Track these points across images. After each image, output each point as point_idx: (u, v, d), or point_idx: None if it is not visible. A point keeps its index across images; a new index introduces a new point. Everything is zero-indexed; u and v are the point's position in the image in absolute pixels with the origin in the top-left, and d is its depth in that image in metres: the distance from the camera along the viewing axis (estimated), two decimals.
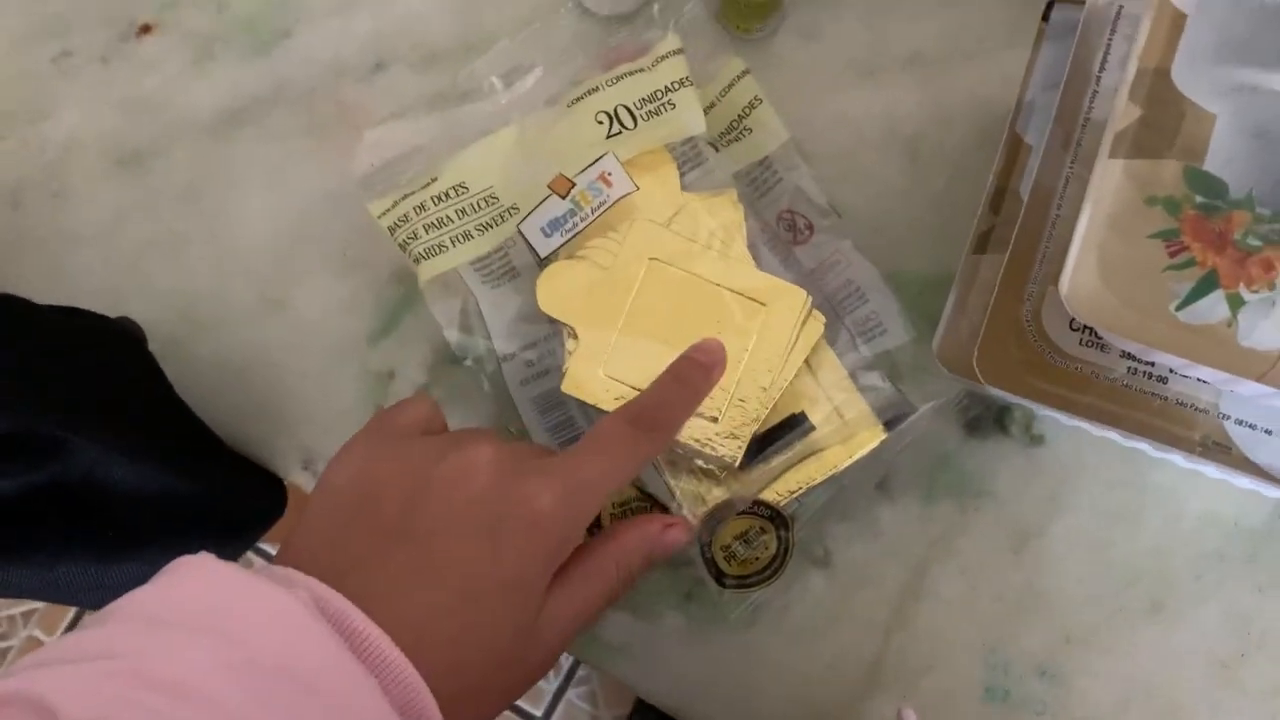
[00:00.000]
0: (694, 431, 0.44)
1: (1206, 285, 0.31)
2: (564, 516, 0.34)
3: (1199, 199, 0.32)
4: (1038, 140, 0.46)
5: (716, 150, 0.49)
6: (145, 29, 0.55)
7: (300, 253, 0.52)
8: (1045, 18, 0.47)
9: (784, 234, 0.50)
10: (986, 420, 0.49)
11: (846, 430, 0.45)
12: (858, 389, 0.46)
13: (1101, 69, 0.39)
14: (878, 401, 0.46)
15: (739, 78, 0.50)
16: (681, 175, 0.47)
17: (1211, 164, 0.32)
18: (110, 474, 0.44)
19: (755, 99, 0.49)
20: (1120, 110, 0.33)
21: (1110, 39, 0.39)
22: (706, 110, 0.49)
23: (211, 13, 0.55)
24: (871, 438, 0.46)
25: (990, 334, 0.38)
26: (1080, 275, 0.32)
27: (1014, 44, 0.53)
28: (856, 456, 0.46)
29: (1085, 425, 0.38)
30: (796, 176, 0.49)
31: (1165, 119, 0.32)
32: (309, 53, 0.54)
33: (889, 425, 0.46)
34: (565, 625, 0.34)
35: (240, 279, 0.52)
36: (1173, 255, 0.32)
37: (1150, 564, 0.47)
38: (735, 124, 0.49)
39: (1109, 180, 0.32)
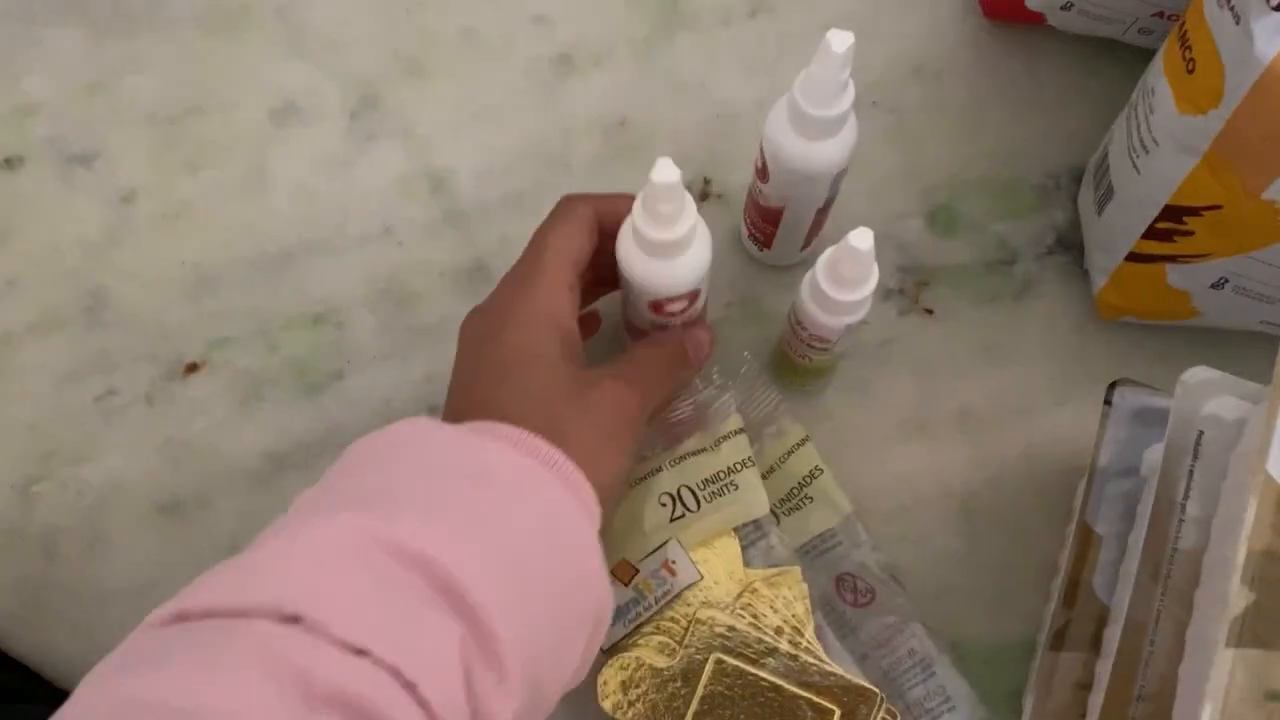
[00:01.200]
0: None
1: None
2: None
3: None
4: (1109, 531, 0.46)
5: (777, 520, 0.48)
6: (192, 367, 0.55)
7: None
8: (1108, 400, 0.47)
9: (845, 596, 0.49)
10: None
11: None
12: None
13: (1186, 498, 0.39)
14: None
15: (799, 444, 0.50)
16: (743, 550, 0.46)
17: None
18: None
19: (816, 469, 0.49)
20: (1234, 596, 0.32)
21: (1193, 467, 0.40)
22: (765, 475, 0.49)
23: (261, 352, 0.55)
24: None
25: None
26: None
27: (1063, 402, 0.53)
28: None
29: None
30: (859, 553, 0.48)
31: (1279, 606, 0.32)
32: (359, 396, 0.54)
33: None
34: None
35: None
36: None
37: None
38: (795, 492, 0.49)
39: (1226, 672, 0.32)
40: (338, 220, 0.57)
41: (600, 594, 0.38)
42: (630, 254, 0.43)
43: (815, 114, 0.42)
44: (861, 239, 0.40)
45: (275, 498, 0.52)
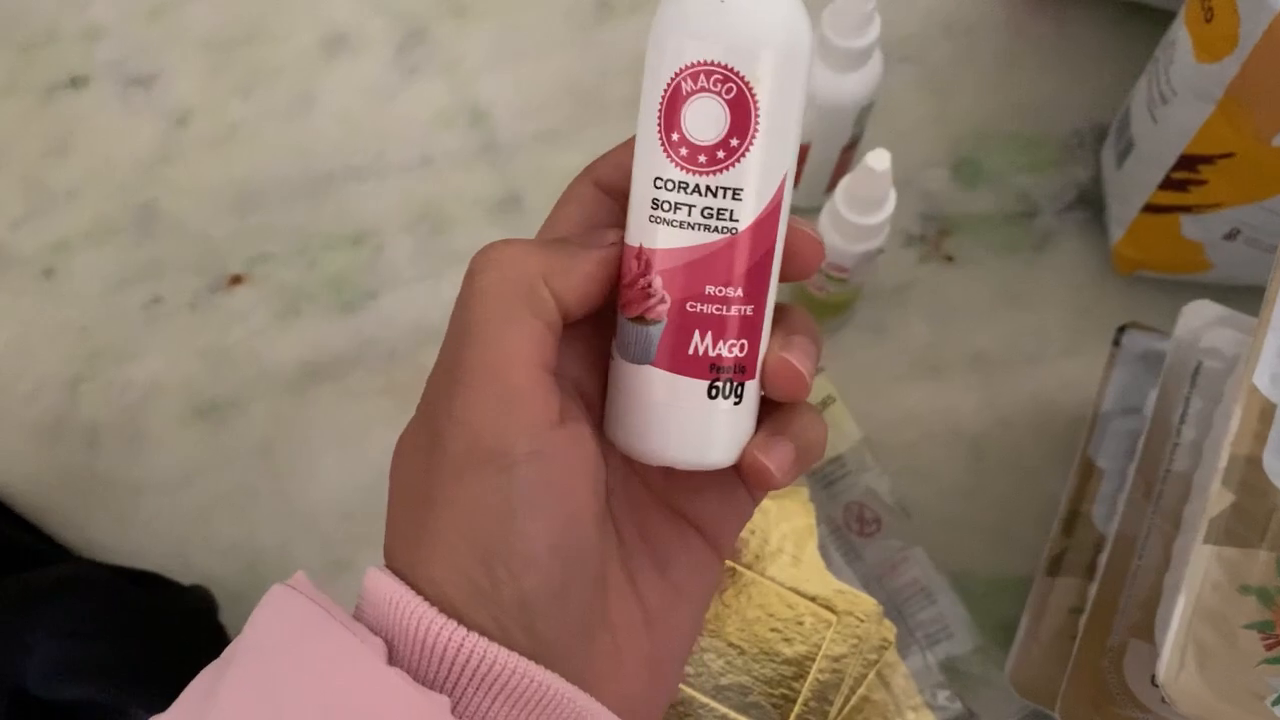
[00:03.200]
0: None
1: None
2: None
3: None
4: (1110, 467, 0.47)
5: None
6: (236, 279, 0.57)
7: (369, 516, 0.53)
8: (1116, 343, 0.49)
9: (853, 525, 0.50)
10: None
11: None
12: (927, 705, 0.45)
13: (1181, 422, 0.41)
14: (946, 713, 0.46)
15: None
16: None
17: None
18: None
19: (829, 397, 0.51)
20: (1214, 496, 0.33)
21: (1189, 394, 0.41)
22: None
23: (301, 268, 0.57)
24: None
25: (1071, 685, 0.38)
26: (1177, 665, 0.32)
27: (1073, 351, 0.55)
28: None
29: None
30: (868, 477, 0.50)
31: (1257, 508, 0.33)
32: (392, 314, 0.56)
33: None
34: None
35: (307, 539, 0.52)
36: (1269, 648, 0.32)
37: None
38: None
39: (1203, 567, 0.33)
40: (379, 148, 0.59)
41: None
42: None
43: (842, 45, 0.44)
44: (878, 160, 0.42)
45: (308, 406, 0.55)
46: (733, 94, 0.25)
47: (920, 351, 0.55)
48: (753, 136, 0.25)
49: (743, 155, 0.25)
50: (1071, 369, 0.54)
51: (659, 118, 0.26)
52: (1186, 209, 0.50)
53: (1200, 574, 0.33)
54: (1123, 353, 0.48)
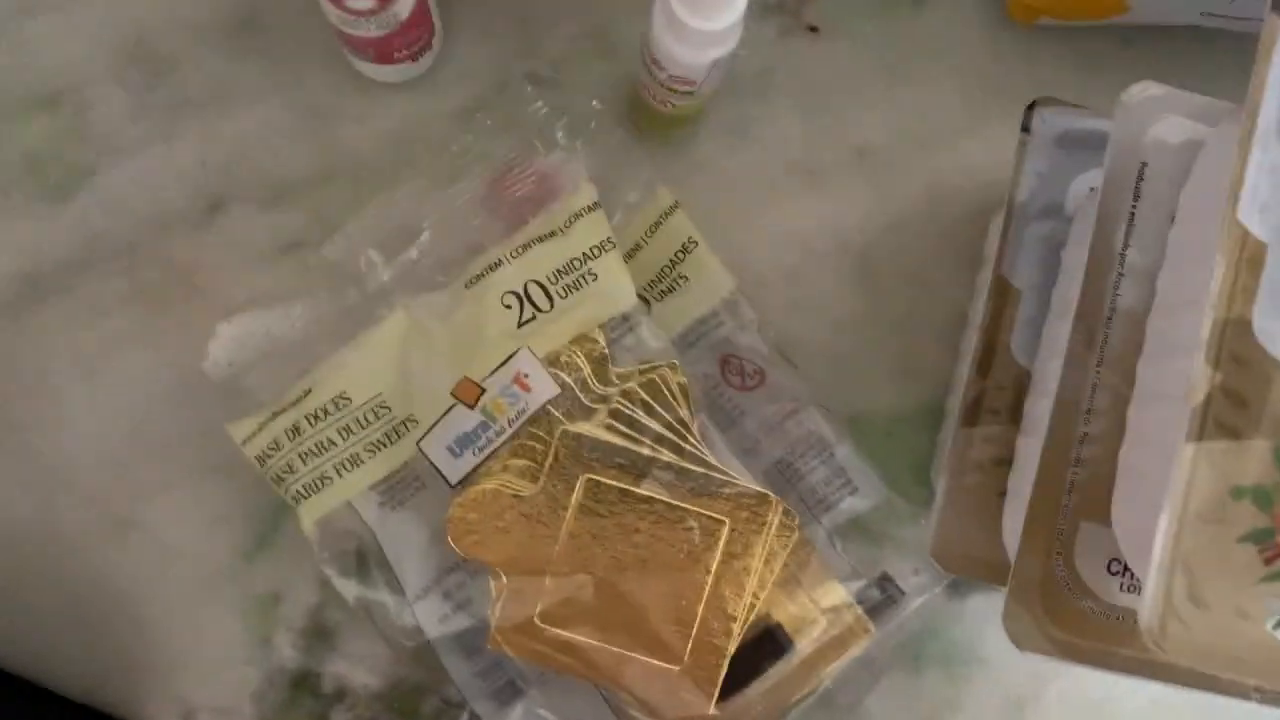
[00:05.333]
0: (652, 688, 0.37)
1: None
2: None
3: None
4: (1027, 285, 0.39)
5: (648, 308, 0.41)
6: None
7: (143, 458, 0.42)
8: (1025, 127, 0.40)
9: (731, 380, 0.42)
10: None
11: (833, 635, 0.39)
12: (843, 589, 0.39)
13: (1125, 246, 0.33)
14: (864, 594, 0.40)
15: (669, 212, 0.41)
16: (609, 348, 0.39)
17: None
18: None
19: (690, 240, 0.41)
20: (1195, 378, 0.26)
21: (1134, 207, 0.33)
22: (630, 254, 0.41)
23: None
24: (859, 638, 0.40)
25: (1015, 588, 0.32)
26: (1163, 596, 0.26)
27: (973, 128, 0.46)
28: (843, 660, 0.40)
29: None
30: (745, 335, 0.41)
31: (1249, 386, 0.26)
32: (121, 196, 0.43)
33: (875, 617, 0.40)
34: None
35: (70, 499, 0.42)
36: (1268, 562, 0.26)
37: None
38: (667, 272, 0.41)
39: (1184, 472, 0.26)
40: None
41: None
42: None
43: None
44: None
45: (31, 330, 0.42)
46: None
47: (793, 152, 0.45)
48: None
49: None
50: (971, 150, 0.46)
51: None
52: None
53: (1184, 483, 0.26)
54: (1034, 138, 0.39)
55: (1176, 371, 0.28)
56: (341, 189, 0.43)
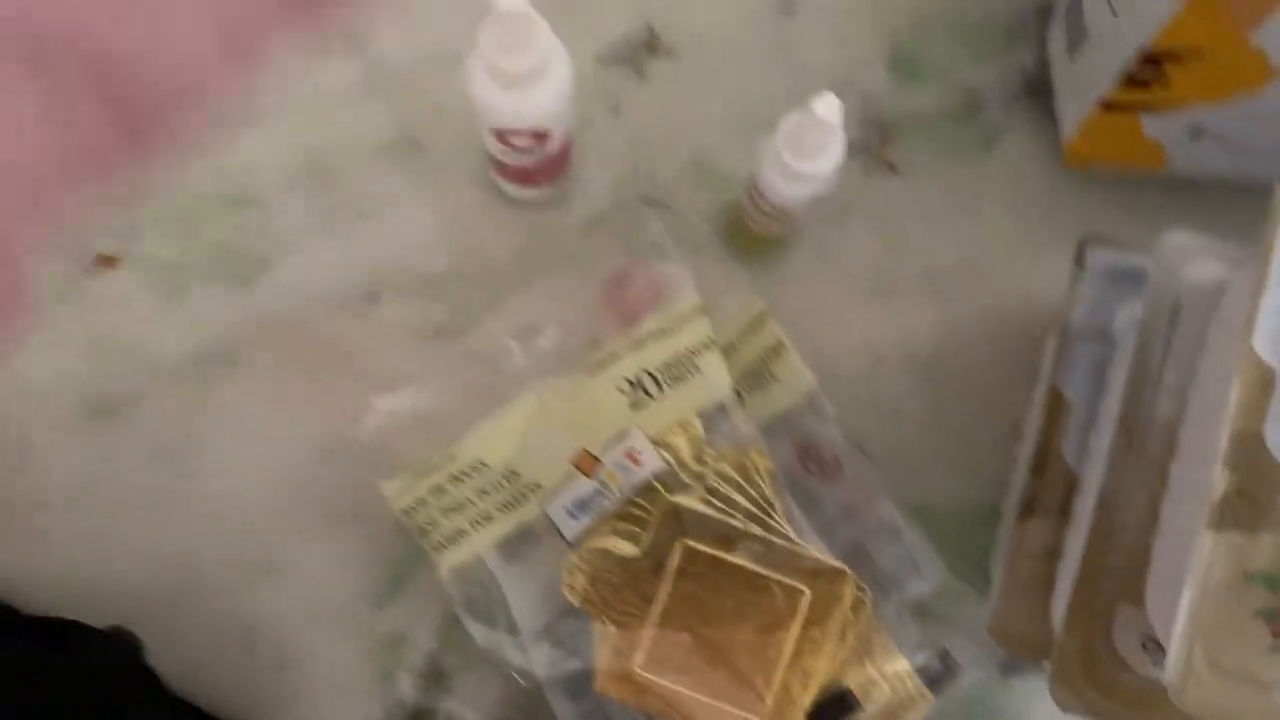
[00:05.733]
0: None
1: None
2: None
3: None
4: (1078, 398, 0.45)
5: (740, 400, 0.47)
6: (106, 261, 0.50)
7: (291, 507, 0.48)
8: (1078, 261, 0.46)
9: (811, 468, 0.48)
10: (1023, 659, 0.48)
11: (895, 701, 0.44)
12: (906, 660, 0.44)
13: (1162, 366, 0.38)
14: (925, 666, 0.45)
15: (760, 319, 0.47)
16: (706, 433, 0.45)
17: None
18: None
19: (778, 343, 0.47)
20: (1215, 479, 0.31)
21: (1170, 334, 0.38)
22: (727, 353, 0.47)
23: (179, 240, 0.51)
24: (919, 705, 0.44)
25: (1060, 659, 0.37)
26: (1185, 659, 0.31)
27: (1031, 258, 0.52)
28: None
29: None
30: (825, 428, 0.47)
31: (1261, 489, 0.31)
32: (293, 286, 0.51)
33: (934, 687, 0.45)
34: None
35: (224, 541, 0.48)
36: (1276, 634, 0.31)
37: None
38: (757, 368, 0.47)
39: (1205, 554, 0.31)
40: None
41: None
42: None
43: None
44: (827, 107, 0.37)
45: (206, 394, 0.49)
46: None
47: (869, 271, 0.51)
48: None
49: None
50: (1029, 276, 0.52)
51: None
52: (1148, 107, 0.46)
53: (1204, 563, 0.31)
54: (1085, 271, 0.45)
55: (1202, 474, 0.33)
56: (481, 287, 0.50)
